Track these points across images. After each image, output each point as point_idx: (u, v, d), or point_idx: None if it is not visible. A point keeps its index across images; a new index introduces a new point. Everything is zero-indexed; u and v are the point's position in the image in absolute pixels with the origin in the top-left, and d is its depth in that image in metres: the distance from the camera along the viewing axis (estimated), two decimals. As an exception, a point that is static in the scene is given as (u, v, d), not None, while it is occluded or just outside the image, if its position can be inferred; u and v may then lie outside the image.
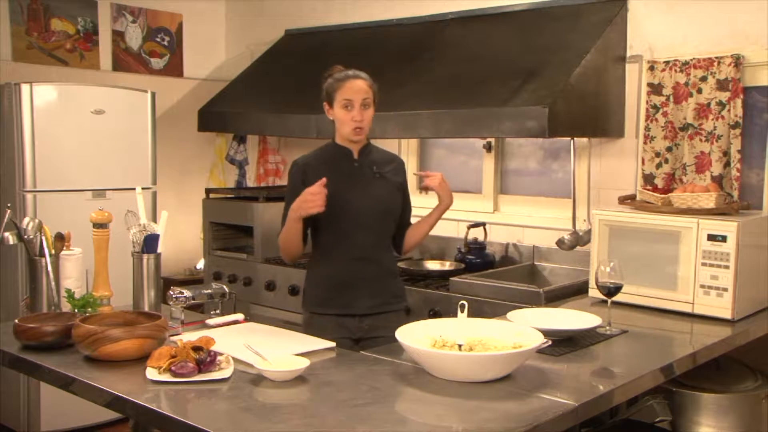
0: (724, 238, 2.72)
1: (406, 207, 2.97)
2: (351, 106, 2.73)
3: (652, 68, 3.37)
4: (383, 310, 2.83)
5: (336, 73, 2.80)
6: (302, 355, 2.12)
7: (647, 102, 3.39)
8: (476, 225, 3.94)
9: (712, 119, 3.21)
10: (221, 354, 2.08)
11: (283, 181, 5.11)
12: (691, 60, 3.26)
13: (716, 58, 3.19)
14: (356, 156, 2.84)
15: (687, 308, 2.81)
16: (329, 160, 2.84)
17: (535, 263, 3.82)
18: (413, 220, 3.02)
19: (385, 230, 2.89)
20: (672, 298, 2.85)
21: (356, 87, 2.74)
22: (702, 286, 2.78)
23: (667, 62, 3.33)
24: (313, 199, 2.60)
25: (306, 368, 2.01)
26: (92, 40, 4.73)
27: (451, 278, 3.45)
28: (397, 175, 2.92)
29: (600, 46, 3.37)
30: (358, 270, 2.81)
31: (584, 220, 3.64)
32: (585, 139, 3.66)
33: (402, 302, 2.95)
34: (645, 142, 3.39)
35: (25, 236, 2.57)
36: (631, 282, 2.70)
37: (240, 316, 2.65)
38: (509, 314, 2.48)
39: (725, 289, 2.72)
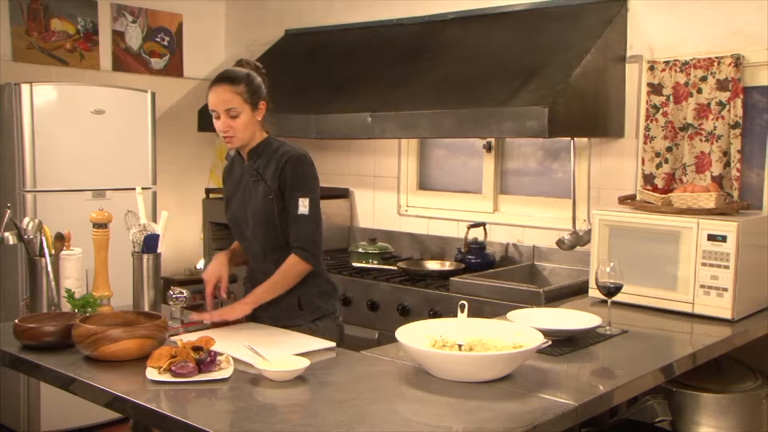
0: (724, 238, 2.72)
1: (286, 215, 2.57)
2: (218, 116, 2.55)
3: (652, 68, 3.37)
4: (282, 324, 2.57)
5: None
6: (302, 355, 2.12)
7: (647, 102, 3.39)
8: (476, 225, 3.94)
9: (712, 119, 3.21)
10: (221, 354, 2.08)
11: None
12: (691, 60, 3.26)
13: (716, 58, 3.19)
14: (246, 161, 2.67)
15: (687, 308, 2.81)
16: (235, 164, 2.75)
17: (535, 263, 3.82)
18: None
19: (267, 242, 2.61)
20: (672, 298, 2.85)
21: (217, 97, 2.52)
22: (702, 286, 2.78)
23: (667, 62, 3.33)
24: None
25: (306, 368, 2.01)
26: (92, 40, 4.73)
27: (451, 278, 3.45)
28: (275, 176, 2.56)
29: (600, 46, 3.37)
30: (253, 282, 2.69)
31: (584, 220, 3.64)
32: (585, 139, 3.66)
33: (296, 317, 2.61)
34: (645, 142, 3.39)
35: (25, 236, 2.57)
36: (631, 282, 2.70)
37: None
38: (509, 314, 2.48)
39: (725, 289, 2.72)
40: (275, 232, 2.60)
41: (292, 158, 2.57)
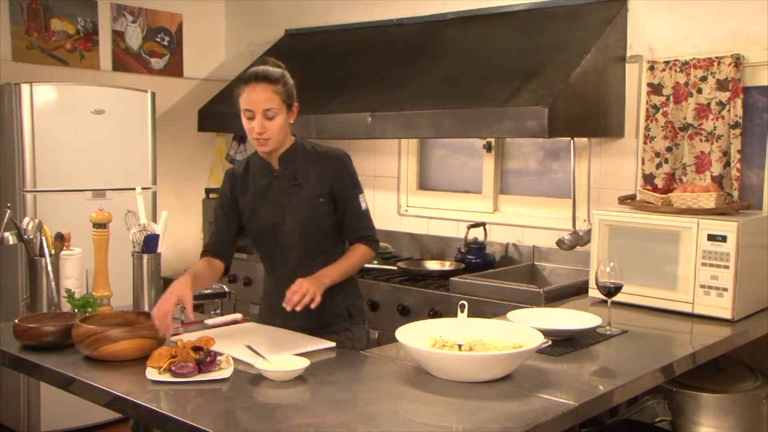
0: (724, 238, 2.72)
1: (346, 214, 2.56)
2: (252, 116, 2.42)
3: (652, 68, 3.37)
4: (320, 332, 2.48)
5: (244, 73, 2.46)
6: (302, 355, 2.13)
7: (647, 102, 3.39)
8: (476, 225, 3.94)
9: (712, 119, 3.21)
10: (221, 354, 2.08)
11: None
12: (691, 60, 3.26)
13: (716, 58, 3.19)
14: (276, 166, 2.54)
15: (687, 308, 2.81)
16: (253, 172, 2.60)
17: (535, 263, 3.82)
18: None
19: (310, 247, 2.54)
20: (672, 298, 2.85)
21: (256, 96, 2.38)
22: (702, 286, 2.78)
23: (667, 62, 3.33)
24: (158, 322, 2.18)
25: (306, 368, 2.01)
26: (92, 40, 4.73)
27: (451, 278, 3.45)
28: (323, 179, 2.52)
29: (600, 46, 3.37)
30: (279, 294, 2.44)
31: (584, 220, 3.64)
32: (585, 139, 3.66)
33: (344, 322, 2.62)
34: (645, 142, 3.39)
35: (25, 236, 2.57)
36: (631, 282, 2.70)
37: (239, 316, 2.65)
38: (509, 314, 2.48)
39: (725, 289, 2.72)
40: (322, 234, 2.55)
41: (339, 159, 2.57)
